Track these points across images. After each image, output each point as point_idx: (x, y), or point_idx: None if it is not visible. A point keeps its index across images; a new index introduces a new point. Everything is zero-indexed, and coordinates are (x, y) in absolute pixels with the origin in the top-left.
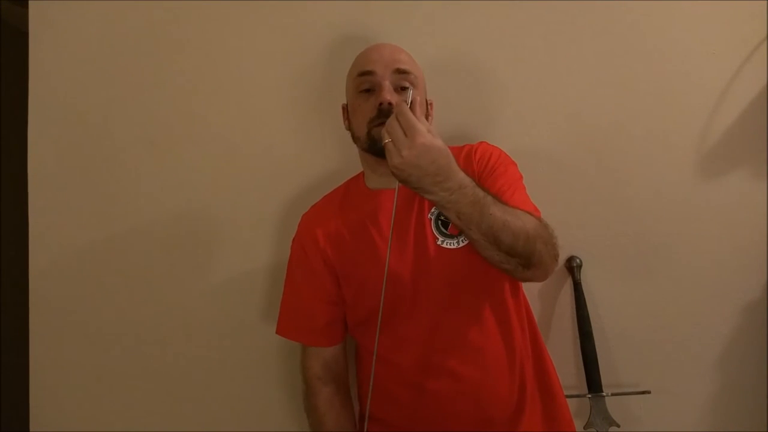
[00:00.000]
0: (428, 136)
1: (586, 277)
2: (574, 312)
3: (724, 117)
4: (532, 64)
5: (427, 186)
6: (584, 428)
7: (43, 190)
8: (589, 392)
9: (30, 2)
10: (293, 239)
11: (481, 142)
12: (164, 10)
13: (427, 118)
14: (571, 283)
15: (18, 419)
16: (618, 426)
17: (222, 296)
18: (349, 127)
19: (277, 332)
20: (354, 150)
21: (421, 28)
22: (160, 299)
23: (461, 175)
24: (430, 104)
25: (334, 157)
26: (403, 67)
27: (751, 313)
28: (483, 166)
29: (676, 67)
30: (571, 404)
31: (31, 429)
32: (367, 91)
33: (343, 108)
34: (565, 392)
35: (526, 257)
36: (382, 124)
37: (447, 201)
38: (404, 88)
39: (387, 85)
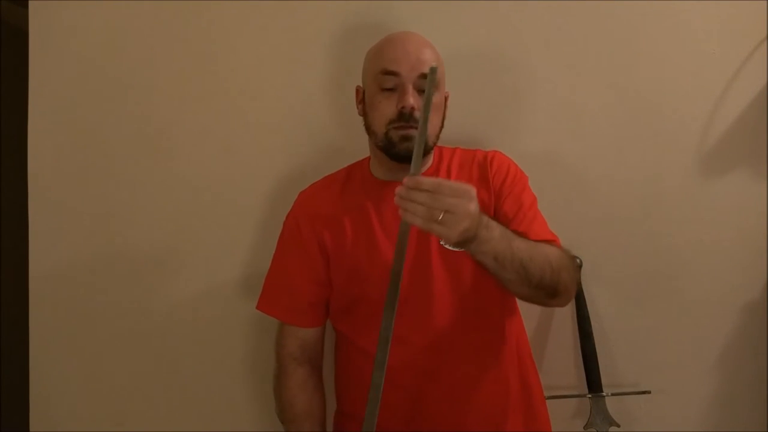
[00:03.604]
0: (464, 187)
1: (587, 277)
2: (574, 312)
3: (724, 117)
4: (533, 65)
5: (474, 234)
6: (584, 428)
7: (43, 190)
8: (589, 392)
9: (30, 2)
10: (287, 215)
11: (495, 152)
12: (164, 10)
13: (444, 112)
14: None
15: (18, 419)
16: (618, 426)
17: (222, 293)
18: (363, 115)
19: (257, 308)
20: (359, 137)
21: (432, 26)
22: (160, 298)
23: (483, 213)
24: (447, 96)
25: (337, 148)
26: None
27: (751, 313)
28: (501, 182)
29: (677, 67)
30: (571, 404)
31: (31, 429)
32: (389, 89)
33: (358, 91)
34: (565, 392)
35: (552, 288)
36: (401, 126)
37: (485, 241)
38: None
39: (411, 89)
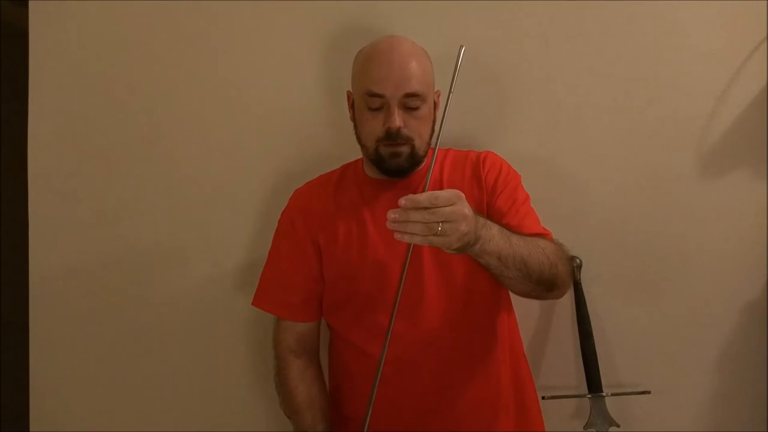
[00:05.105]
0: (455, 193)
1: (586, 277)
2: (574, 312)
3: (724, 117)
4: (532, 65)
5: (475, 236)
6: (584, 428)
7: (43, 189)
8: (589, 392)
9: (30, 2)
10: (283, 212)
11: (488, 152)
12: (164, 10)
13: (434, 110)
14: (572, 283)
15: (18, 419)
16: (618, 426)
17: (221, 291)
18: (353, 123)
19: (253, 303)
20: (354, 138)
21: (427, 26)
22: (160, 296)
23: (478, 213)
24: (437, 94)
25: (332, 150)
26: (412, 90)
27: (751, 313)
28: (494, 180)
29: (677, 67)
30: (571, 404)
31: (31, 429)
32: (376, 108)
33: (349, 96)
34: (565, 392)
35: (551, 282)
36: (390, 144)
37: (488, 240)
38: (412, 108)
39: (396, 109)
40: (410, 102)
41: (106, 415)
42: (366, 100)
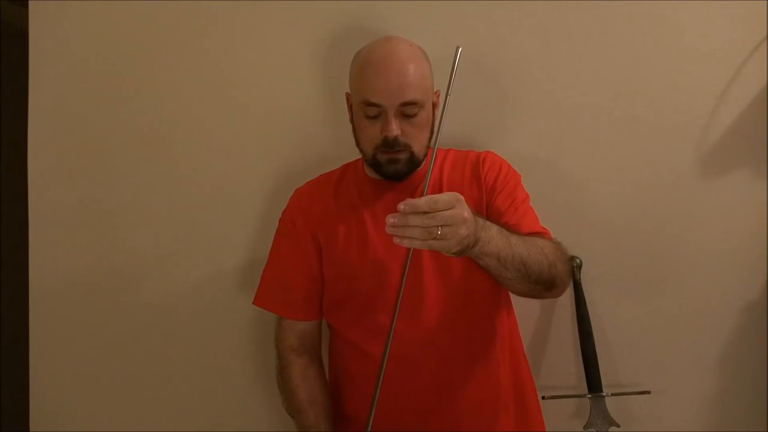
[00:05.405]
0: (454, 196)
1: (586, 277)
2: (574, 312)
3: (724, 117)
4: (532, 65)
5: (474, 238)
6: (584, 428)
7: (43, 189)
8: (589, 392)
9: (30, 2)
10: (283, 211)
11: (488, 152)
12: (164, 10)
13: (433, 110)
14: (571, 283)
15: (18, 419)
16: (618, 426)
17: (222, 292)
18: (352, 125)
19: (254, 302)
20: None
21: (426, 27)
22: (160, 297)
23: (477, 215)
24: (437, 94)
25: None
26: (409, 99)
27: (751, 313)
28: (494, 179)
29: (676, 67)
30: (571, 404)
31: (31, 429)
32: (373, 117)
33: (348, 98)
34: (565, 392)
35: (550, 281)
36: (387, 151)
37: (487, 241)
38: (410, 116)
39: (393, 118)
40: (408, 110)
41: (106, 415)
42: (363, 109)
